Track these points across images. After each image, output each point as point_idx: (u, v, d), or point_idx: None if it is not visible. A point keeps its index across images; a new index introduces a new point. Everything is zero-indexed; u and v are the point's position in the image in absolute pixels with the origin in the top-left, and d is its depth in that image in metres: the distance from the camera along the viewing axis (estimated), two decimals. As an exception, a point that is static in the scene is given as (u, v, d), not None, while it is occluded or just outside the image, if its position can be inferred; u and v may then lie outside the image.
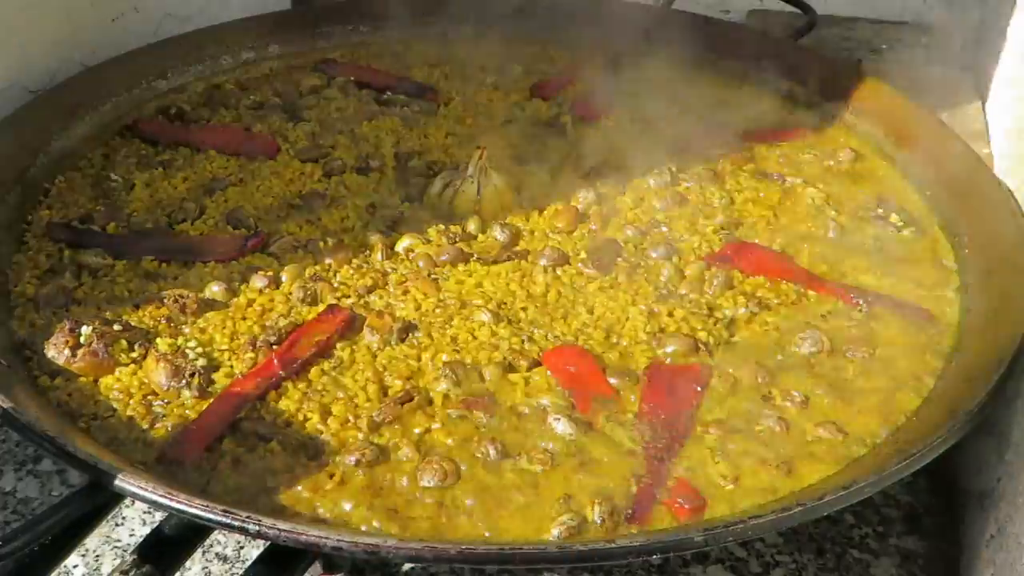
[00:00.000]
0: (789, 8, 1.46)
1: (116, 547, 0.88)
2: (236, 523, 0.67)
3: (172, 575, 0.71)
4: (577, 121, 1.28)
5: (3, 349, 0.86)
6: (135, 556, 0.70)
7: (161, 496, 0.68)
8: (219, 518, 0.67)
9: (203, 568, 0.86)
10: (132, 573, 0.69)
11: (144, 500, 0.70)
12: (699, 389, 0.87)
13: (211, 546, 0.88)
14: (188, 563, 0.79)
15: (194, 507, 0.68)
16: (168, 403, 0.84)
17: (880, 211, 1.11)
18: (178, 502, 0.68)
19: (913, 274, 1.03)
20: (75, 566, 0.85)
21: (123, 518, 0.90)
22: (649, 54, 1.44)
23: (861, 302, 0.98)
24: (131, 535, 0.88)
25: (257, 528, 0.67)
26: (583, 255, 1.03)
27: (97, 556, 0.87)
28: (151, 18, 1.37)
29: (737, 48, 1.37)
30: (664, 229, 1.08)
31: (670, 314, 0.96)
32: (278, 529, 0.67)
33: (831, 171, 1.20)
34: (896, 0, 1.50)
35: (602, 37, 1.46)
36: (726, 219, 1.10)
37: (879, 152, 1.23)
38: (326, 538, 0.67)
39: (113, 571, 0.69)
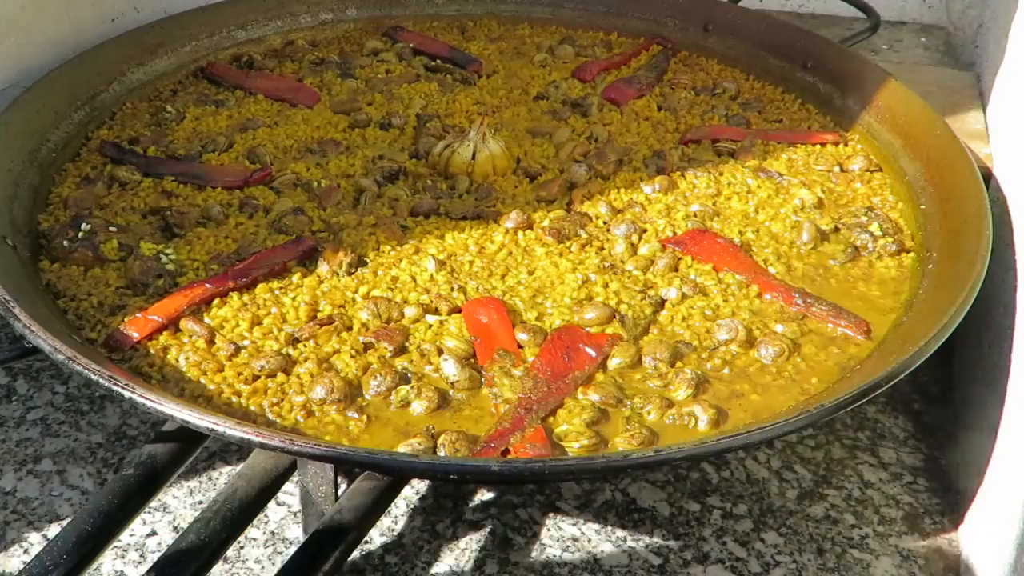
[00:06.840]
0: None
1: (116, 547, 0.91)
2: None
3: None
4: (604, 104, 1.33)
5: (21, 234, 1.02)
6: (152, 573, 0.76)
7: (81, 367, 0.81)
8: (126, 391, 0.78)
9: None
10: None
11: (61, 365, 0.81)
12: (594, 355, 0.91)
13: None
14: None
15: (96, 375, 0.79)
16: (135, 297, 0.97)
17: (864, 220, 1.10)
18: (89, 370, 0.80)
19: (865, 288, 1.02)
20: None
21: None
22: (705, 48, 1.47)
23: (800, 303, 0.98)
24: (131, 535, 0.93)
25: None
26: (546, 223, 1.08)
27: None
28: (151, 18, 1.38)
29: (786, 47, 1.37)
30: (638, 210, 1.12)
31: (604, 286, 1.00)
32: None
33: (837, 177, 1.19)
34: (896, 0, 1.45)
35: (665, 29, 1.50)
36: (703, 208, 1.12)
37: (894, 165, 1.20)
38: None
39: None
